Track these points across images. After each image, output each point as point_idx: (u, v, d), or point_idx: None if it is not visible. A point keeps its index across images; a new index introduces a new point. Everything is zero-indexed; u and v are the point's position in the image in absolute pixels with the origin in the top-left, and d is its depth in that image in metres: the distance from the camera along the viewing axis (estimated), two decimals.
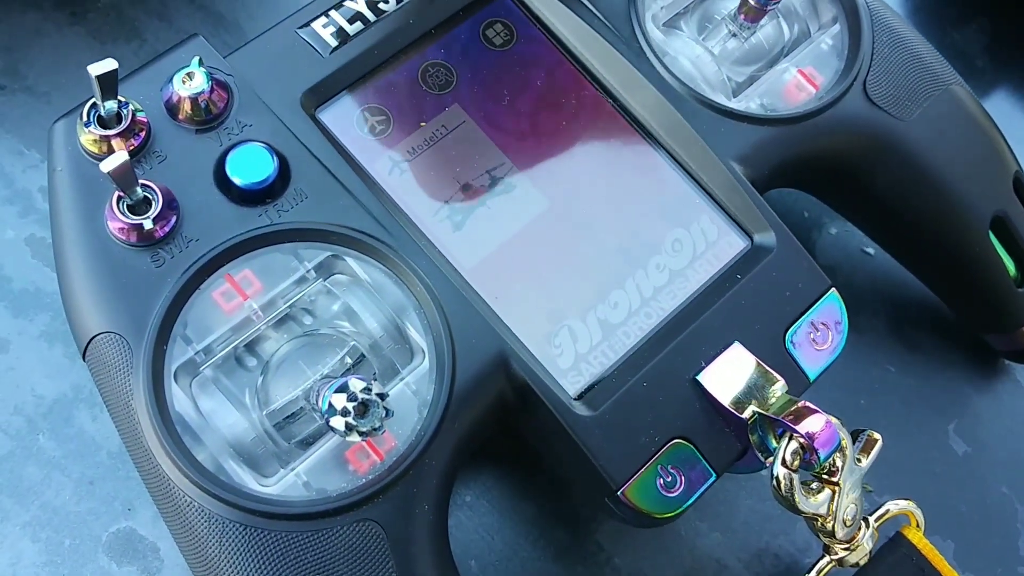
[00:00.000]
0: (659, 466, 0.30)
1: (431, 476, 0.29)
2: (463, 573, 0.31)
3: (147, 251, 0.29)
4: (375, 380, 0.27)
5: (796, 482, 0.30)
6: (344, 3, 0.34)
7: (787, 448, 0.29)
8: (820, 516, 0.31)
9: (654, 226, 0.34)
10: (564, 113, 0.34)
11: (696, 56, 0.36)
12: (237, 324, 0.30)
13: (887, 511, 0.34)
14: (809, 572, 0.33)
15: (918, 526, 0.34)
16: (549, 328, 0.32)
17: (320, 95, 0.33)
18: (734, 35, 0.36)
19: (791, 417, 0.29)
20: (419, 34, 0.34)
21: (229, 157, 0.31)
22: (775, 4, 0.34)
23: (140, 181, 0.29)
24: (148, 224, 0.29)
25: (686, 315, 0.32)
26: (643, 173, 0.34)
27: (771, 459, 0.30)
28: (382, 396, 0.26)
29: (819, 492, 0.31)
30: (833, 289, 0.33)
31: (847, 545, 0.32)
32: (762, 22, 0.36)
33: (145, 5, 0.43)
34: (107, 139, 0.30)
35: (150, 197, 0.29)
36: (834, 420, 0.30)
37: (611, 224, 0.33)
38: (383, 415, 0.26)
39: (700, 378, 0.31)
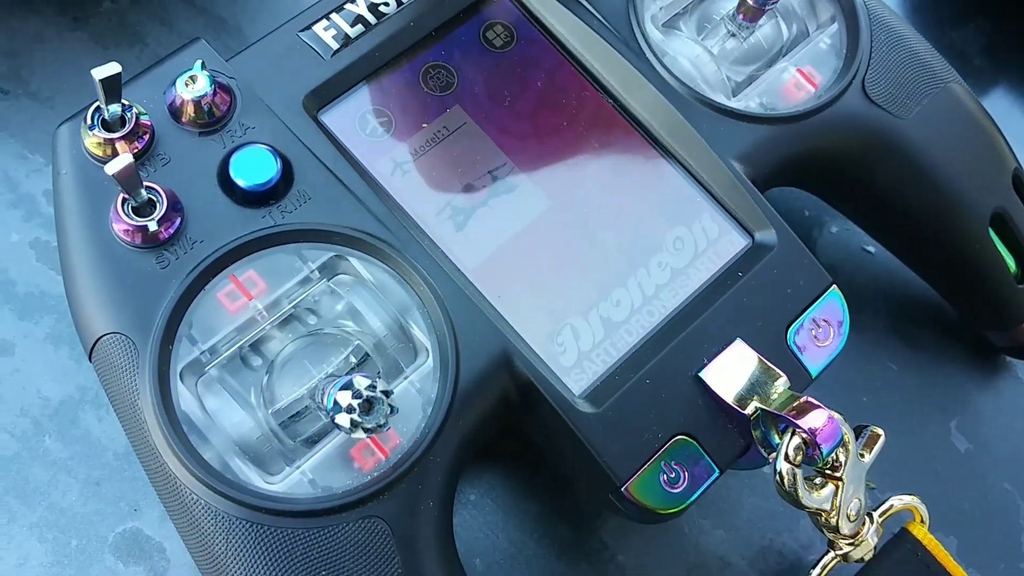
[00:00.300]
0: (662, 462, 0.30)
1: (436, 473, 0.29)
2: (468, 571, 0.31)
3: (152, 252, 0.30)
4: (380, 378, 0.27)
5: (799, 477, 0.30)
6: (345, 6, 0.34)
7: (790, 443, 0.30)
8: (824, 511, 0.31)
9: (655, 225, 0.34)
10: (564, 113, 0.35)
11: (695, 56, 0.36)
12: (242, 324, 0.30)
13: (891, 506, 0.34)
14: (814, 568, 0.34)
15: (923, 521, 0.35)
16: (552, 326, 0.32)
17: (322, 97, 0.33)
18: (733, 35, 0.36)
19: (793, 412, 0.30)
20: (420, 36, 0.34)
21: (232, 159, 0.31)
22: (773, 4, 0.35)
23: (144, 183, 0.29)
24: (153, 226, 0.29)
25: (688, 313, 0.32)
26: (644, 172, 0.34)
27: (774, 455, 0.30)
28: (387, 393, 0.26)
29: (822, 487, 0.31)
30: (834, 286, 0.34)
31: (851, 540, 0.32)
32: (761, 22, 0.36)
33: (147, 10, 0.43)
34: (111, 142, 0.30)
35: (154, 199, 0.30)
36: (836, 415, 0.30)
37: (612, 223, 0.34)
38: (388, 412, 0.26)
39: (703, 375, 0.31)
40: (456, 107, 0.34)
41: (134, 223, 0.29)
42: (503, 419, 0.31)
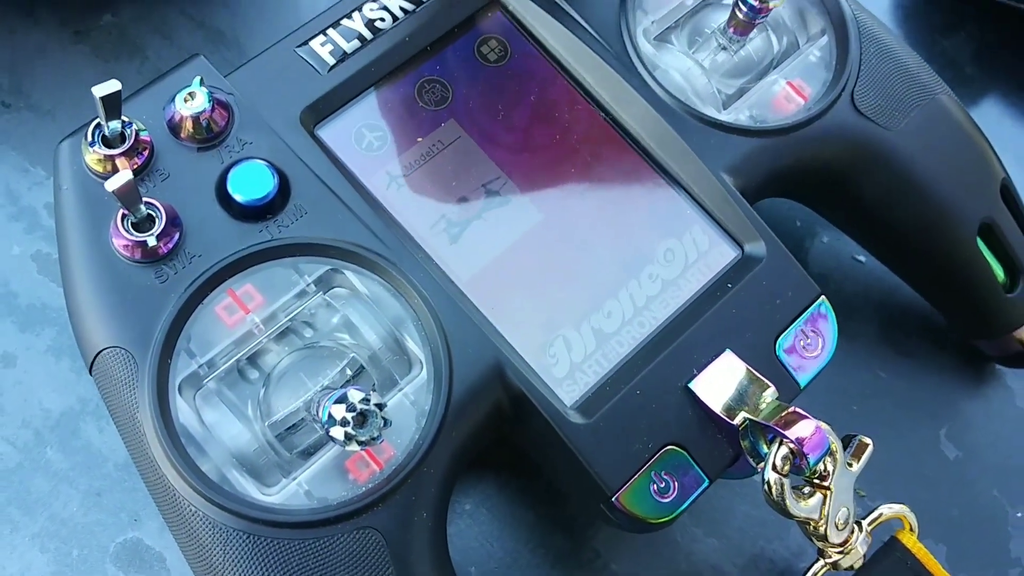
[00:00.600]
0: (653, 472, 0.31)
1: (429, 484, 0.29)
2: None
3: (151, 267, 0.30)
4: (374, 391, 0.28)
5: (787, 487, 0.30)
6: (342, 22, 0.35)
7: (777, 453, 0.30)
8: (812, 520, 0.32)
9: (646, 237, 0.34)
10: (557, 127, 0.35)
11: (687, 69, 0.36)
12: (239, 337, 0.30)
13: (880, 515, 0.34)
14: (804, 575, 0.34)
15: (912, 530, 0.35)
16: (544, 338, 0.33)
17: (319, 112, 0.34)
18: (724, 48, 0.37)
19: (781, 423, 0.30)
20: (415, 51, 0.35)
21: (230, 174, 0.31)
22: (763, 17, 0.35)
23: (144, 199, 0.30)
24: (152, 241, 0.30)
25: (678, 324, 0.33)
26: (635, 185, 0.35)
27: (762, 464, 0.31)
28: (380, 406, 0.26)
29: (810, 496, 0.31)
30: (822, 297, 0.34)
31: (841, 548, 0.33)
32: (751, 35, 0.37)
33: (147, 23, 0.44)
34: (111, 158, 0.31)
35: (154, 214, 0.30)
36: (823, 425, 0.30)
37: (604, 235, 0.34)
38: (381, 425, 0.26)
39: (692, 385, 0.32)
40: (451, 121, 0.35)
41: (134, 238, 0.30)
42: (496, 430, 0.32)
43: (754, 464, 0.32)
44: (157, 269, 0.30)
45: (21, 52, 0.43)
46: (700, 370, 0.32)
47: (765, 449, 0.31)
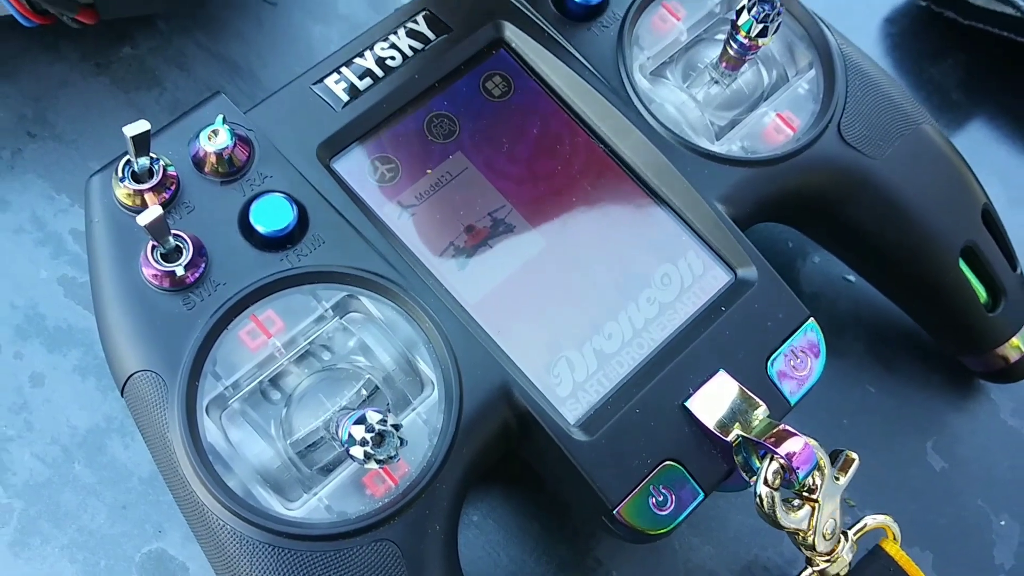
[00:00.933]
0: (651, 486, 0.33)
1: (442, 498, 0.31)
2: None
3: (179, 295, 0.32)
4: (389, 411, 0.30)
5: (778, 500, 0.32)
6: (354, 60, 0.37)
7: (769, 468, 0.32)
8: (801, 531, 0.33)
9: (644, 262, 0.36)
10: (559, 158, 0.37)
11: (681, 103, 0.38)
12: (262, 361, 0.32)
13: (865, 525, 0.36)
14: None
15: (895, 539, 0.37)
16: (548, 359, 0.34)
17: (334, 146, 0.36)
18: (716, 82, 0.39)
19: (772, 439, 0.32)
20: (424, 87, 0.37)
21: (252, 207, 0.33)
22: (753, 53, 0.37)
23: (172, 231, 0.32)
24: (180, 271, 0.32)
25: (675, 345, 0.35)
26: (633, 213, 0.37)
27: (755, 479, 0.32)
28: (396, 427, 0.28)
29: (800, 508, 0.33)
30: (811, 319, 0.36)
31: (828, 557, 0.35)
32: (742, 69, 0.39)
33: (165, 55, 0.46)
34: (140, 193, 0.32)
35: (181, 246, 0.32)
36: (812, 442, 0.32)
37: (604, 260, 0.36)
38: (398, 444, 0.28)
39: (688, 404, 0.34)
40: (458, 154, 0.37)
41: (163, 268, 0.32)
42: (504, 447, 0.34)
43: (747, 478, 0.33)
44: (184, 297, 0.32)
45: (45, 84, 0.45)
46: (695, 389, 0.34)
47: (757, 464, 0.33)
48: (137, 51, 0.46)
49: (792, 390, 0.35)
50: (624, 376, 0.34)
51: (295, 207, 0.33)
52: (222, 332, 0.32)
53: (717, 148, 0.37)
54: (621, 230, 0.36)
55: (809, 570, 0.35)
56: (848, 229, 0.40)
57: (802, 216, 0.40)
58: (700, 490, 0.33)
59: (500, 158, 0.37)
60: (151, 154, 0.33)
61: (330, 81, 0.36)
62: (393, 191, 0.36)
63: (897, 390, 0.45)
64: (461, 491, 0.32)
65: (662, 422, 0.33)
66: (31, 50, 0.45)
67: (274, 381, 0.33)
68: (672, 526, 0.33)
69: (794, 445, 0.32)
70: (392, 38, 0.37)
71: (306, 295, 0.33)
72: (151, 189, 0.33)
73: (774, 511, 0.32)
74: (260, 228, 0.33)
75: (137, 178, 0.33)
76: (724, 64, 0.38)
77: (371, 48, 0.37)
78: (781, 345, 0.35)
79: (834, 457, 0.35)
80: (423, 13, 0.38)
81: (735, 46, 0.37)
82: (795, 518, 0.33)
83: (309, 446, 0.32)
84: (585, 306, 0.35)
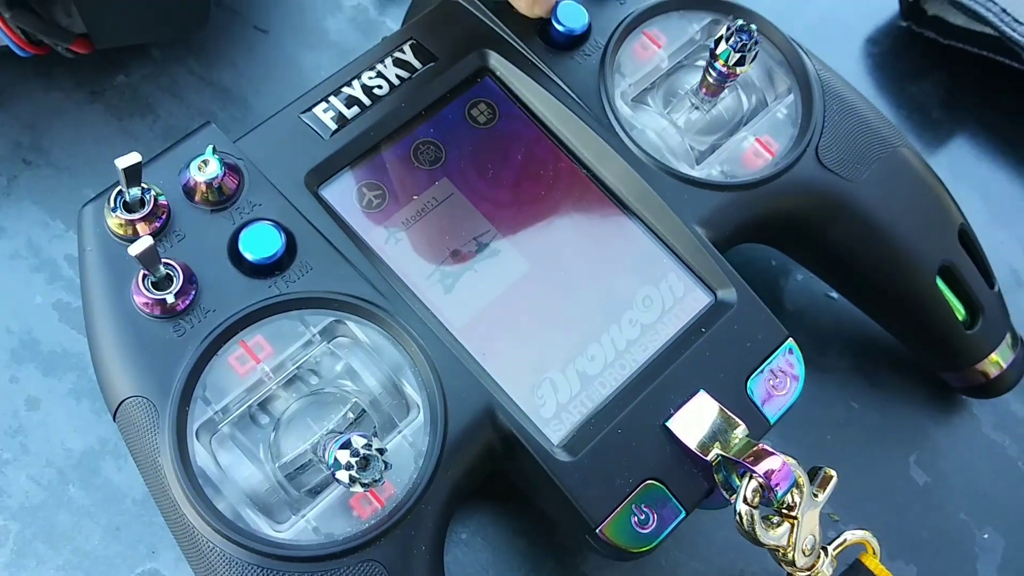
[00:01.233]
0: (633, 505, 0.33)
1: (427, 519, 0.32)
2: None
3: (169, 322, 0.33)
4: (375, 435, 0.31)
5: (757, 517, 0.33)
6: (342, 89, 0.38)
7: (748, 487, 0.33)
8: (781, 547, 0.34)
9: (626, 284, 0.37)
10: (543, 184, 0.38)
11: (662, 128, 0.39)
12: (251, 385, 0.33)
13: (844, 540, 0.37)
14: None
15: (875, 553, 0.37)
16: (532, 380, 0.35)
17: (322, 174, 0.36)
18: (696, 108, 0.40)
19: (751, 458, 0.33)
20: (410, 115, 0.38)
21: (241, 235, 0.34)
22: (732, 81, 0.38)
23: (162, 260, 0.32)
24: (170, 298, 0.32)
25: (656, 366, 0.36)
26: (615, 237, 0.37)
27: (735, 497, 0.33)
28: (381, 451, 0.29)
29: (779, 525, 0.34)
30: (790, 339, 0.37)
31: (808, 573, 0.35)
32: (722, 95, 0.40)
33: (158, 83, 0.47)
34: (132, 223, 0.33)
35: (172, 274, 0.33)
36: (790, 460, 0.33)
37: (587, 283, 0.37)
38: (383, 468, 0.29)
39: (669, 424, 0.34)
40: (444, 180, 0.37)
41: (153, 296, 0.32)
42: (488, 467, 0.35)
43: (727, 496, 0.34)
44: (175, 324, 0.33)
45: (40, 112, 0.45)
46: (676, 409, 0.35)
47: (737, 483, 0.33)
48: (131, 79, 0.47)
49: (771, 409, 0.36)
50: (606, 397, 0.35)
51: (283, 234, 0.34)
52: (212, 358, 0.33)
53: (697, 173, 0.38)
54: (603, 254, 0.37)
55: None
56: (827, 250, 0.41)
57: (782, 238, 0.41)
58: (681, 508, 0.34)
59: (485, 184, 0.38)
60: (142, 184, 0.33)
61: (318, 110, 0.37)
62: (380, 217, 0.36)
63: (880, 405, 0.46)
64: (447, 512, 0.33)
65: (644, 442, 0.34)
66: (26, 79, 0.46)
67: (263, 405, 0.33)
68: (654, 544, 0.33)
69: (772, 463, 0.32)
70: (379, 67, 0.38)
71: (294, 321, 0.34)
72: (142, 219, 0.33)
73: (754, 528, 0.33)
74: (249, 256, 0.34)
75: (129, 208, 0.33)
76: (704, 91, 0.39)
77: (358, 77, 0.38)
78: (760, 365, 0.36)
79: (813, 474, 0.35)
80: (409, 42, 0.39)
81: (714, 74, 0.38)
82: (775, 535, 0.34)
83: (297, 469, 0.32)
84: (568, 328, 0.36)
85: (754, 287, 0.37)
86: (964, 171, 0.52)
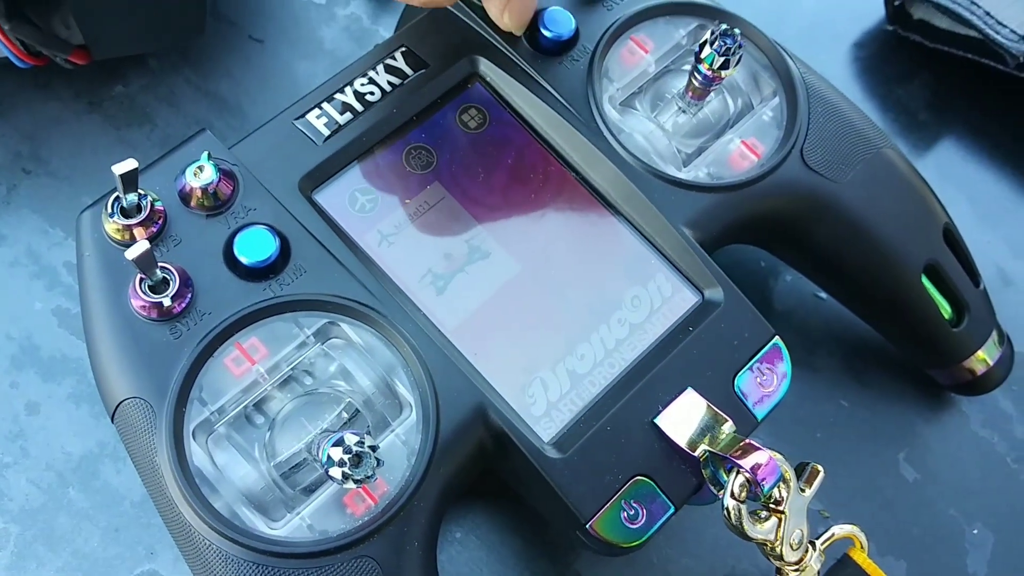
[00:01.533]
0: (623, 501, 0.34)
1: (420, 516, 0.33)
2: None
3: (166, 325, 0.33)
4: (368, 434, 0.31)
5: (744, 512, 0.34)
6: (335, 96, 0.38)
7: (735, 482, 0.33)
8: (769, 541, 0.35)
9: (615, 285, 0.38)
10: (532, 187, 0.38)
11: (649, 132, 0.40)
12: (246, 386, 0.33)
13: (832, 535, 0.37)
14: None
15: (862, 547, 0.38)
16: (523, 379, 0.36)
17: (315, 179, 0.37)
18: (683, 111, 0.40)
19: (738, 454, 0.33)
20: (402, 121, 0.38)
21: (236, 239, 0.35)
22: (717, 84, 0.39)
23: (159, 264, 0.33)
24: (167, 302, 0.33)
25: (645, 364, 0.36)
26: (604, 238, 0.38)
27: (723, 492, 0.34)
28: (373, 448, 0.30)
29: (767, 520, 0.35)
30: (777, 337, 0.37)
31: (796, 566, 0.36)
32: (708, 99, 0.40)
33: (155, 93, 0.47)
34: (129, 228, 0.34)
35: (168, 278, 0.33)
36: (776, 455, 0.34)
37: (577, 284, 0.37)
38: (375, 464, 0.30)
39: (658, 421, 0.35)
40: (436, 183, 0.38)
41: (150, 300, 0.33)
42: (480, 465, 0.35)
43: (715, 492, 0.35)
44: (172, 326, 0.33)
45: (39, 122, 0.46)
46: (665, 407, 0.35)
47: (725, 478, 0.34)
48: (128, 89, 0.47)
49: (759, 406, 0.36)
50: (596, 395, 0.36)
51: (277, 238, 0.35)
52: (208, 360, 0.33)
53: (684, 175, 0.39)
54: (593, 255, 0.38)
55: None
56: (813, 250, 0.41)
57: (768, 239, 0.42)
58: (670, 504, 0.34)
59: (476, 187, 0.38)
60: (139, 190, 0.34)
61: (311, 116, 0.38)
62: (373, 221, 0.37)
63: (869, 403, 0.47)
64: (439, 509, 0.33)
65: (633, 439, 0.35)
66: (25, 90, 0.46)
67: (258, 406, 0.34)
68: (643, 539, 0.34)
69: (759, 458, 0.33)
70: (371, 74, 0.39)
71: (288, 323, 0.34)
72: (139, 224, 0.34)
73: (741, 523, 0.34)
74: (244, 259, 0.34)
75: (126, 213, 0.34)
76: (690, 94, 0.40)
77: (351, 84, 0.39)
78: (747, 363, 0.37)
79: (800, 470, 0.36)
80: (401, 49, 0.40)
81: (700, 77, 0.38)
82: (762, 529, 0.34)
83: (292, 468, 0.33)
84: (559, 328, 0.37)
85: (743, 288, 0.38)
86: (951, 172, 0.53)
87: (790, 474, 0.34)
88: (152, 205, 0.34)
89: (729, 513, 0.33)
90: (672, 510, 0.34)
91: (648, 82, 0.41)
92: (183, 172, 0.35)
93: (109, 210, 0.34)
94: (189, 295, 0.34)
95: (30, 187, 0.45)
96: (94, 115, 0.47)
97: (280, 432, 0.33)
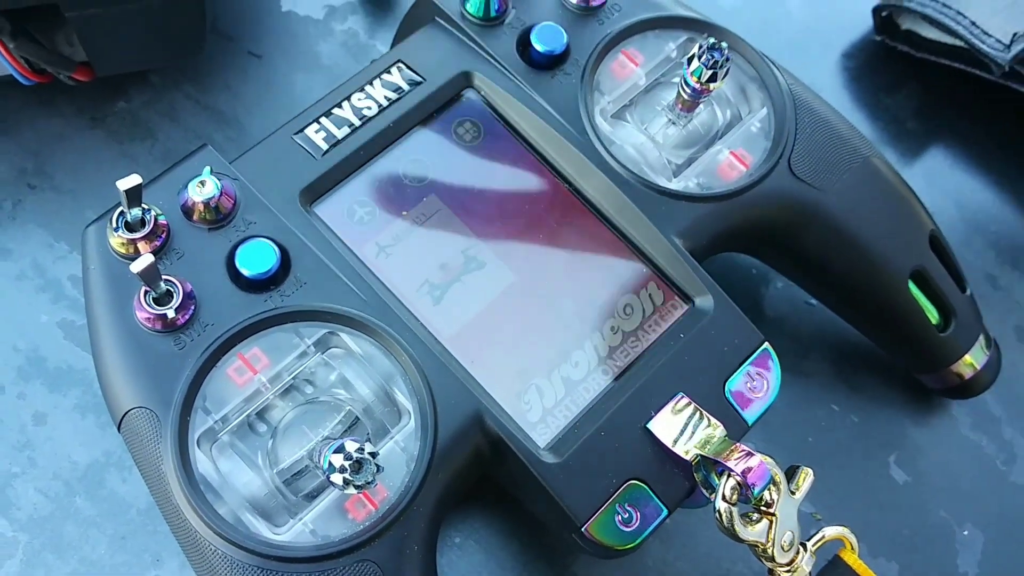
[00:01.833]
0: (617, 505, 0.35)
1: (420, 520, 0.33)
2: None
3: (170, 336, 0.34)
4: (368, 441, 0.32)
5: (736, 514, 0.34)
6: (333, 111, 0.39)
7: (726, 485, 0.34)
8: (760, 543, 0.35)
9: (608, 294, 0.38)
10: (527, 199, 0.39)
11: (640, 143, 0.41)
12: (249, 396, 0.34)
13: (823, 536, 0.38)
14: None
15: (852, 548, 0.39)
16: (519, 387, 0.37)
17: (315, 192, 0.38)
18: (673, 123, 0.41)
19: (728, 457, 0.34)
20: (399, 134, 0.39)
21: (238, 251, 0.36)
22: (705, 96, 0.39)
23: (163, 277, 0.34)
24: (171, 313, 0.34)
25: (637, 371, 0.37)
26: (597, 248, 0.39)
27: (714, 495, 0.34)
28: (373, 455, 0.30)
29: (758, 522, 0.35)
30: (766, 343, 0.38)
31: (788, 568, 0.37)
32: (697, 110, 0.41)
33: (156, 109, 0.48)
34: (134, 242, 0.35)
35: (172, 290, 0.34)
36: (767, 459, 0.34)
37: (570, 293, 0.38)
38: (375, 470, 0.30)
39: (650, 426, 0.36)
40: (432, 196, 0.39)
41: (155, 312, 0.34)
42: (478, 471, 0.36)
43: (707, 495, 0.35)
44: (176, 337, 0.34)
45: (43, 139, 0.47)
46: (657, 412, 0.36)
47: (716, 481, 0.35)
48: (130, 105, 0.48)
49: (749, 410, 0.37)
50: (590, 401, 0.37)
51: (278, 251, 0.36)
52: (211, 370, 0.34)
53: (674, 185, 0.40)
54: (586, 264, 0.39)
55: None
56: (802, 258, 0.42)
57: (758, 247, 0.43)
58: (664, 507, 0.35)
59: (471, 199, 0.39)
60: (143, 204, 0.35)
61: (310, 131, 0.39)
62: (371, 233, 0.38)
63: (860, 408, 0.47)
64: (438, 513, 0.34)
65: (626, 443, 0.36)
66: (30, 107, 0.47)
67: (260, 414, 0.35)
68: (638, 541, 0.35)
69: (749, 462, 0.34)
70: (368, 89, 0.40)
71: (289, 333, 0.35)
72: (143, 238, 0.35)
73: (733, 525, 0.34)
74: (245, 271, 0.35)
75: (130, 228, 0.35)
76: (679, 106, 0.41)
77: (348, 99, 0.40)
78: (737, 368, 0.37)
79: (791, 473, 0.37)
80: (397, 64, 0.41)
81: (688, 90, 0.39)
82: (753, 531, 0.35)
83: (294, 475, 0.34)
84: (553, 336, 0.38)
85: (735, 295, 0.39)
86: (939, 179, 0.54)
87: (780, 477, 0.35)
88: (156, 219, 0.35)
89: (721, 515, 0.34)
90: (665, 513, 0.35)
91: (639, 95, 0.42)
92: (185, 187, 0.36)
93: (114, 224, 0.35)
94: (192, 307, 0.35)
95: (35, 202, 0.46)
96: (97, 130, 0.48)
97: (282, 440, 0.34)
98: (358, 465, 0.30)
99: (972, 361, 0.44)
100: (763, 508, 0.35)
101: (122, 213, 0.35)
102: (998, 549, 0.46)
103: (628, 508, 0.35)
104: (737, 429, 0.37)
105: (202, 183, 0.36)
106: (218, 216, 0.36)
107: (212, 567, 0.32)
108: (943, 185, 0.54)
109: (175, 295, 0.34)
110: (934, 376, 0.45)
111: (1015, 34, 0.48)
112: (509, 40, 0.41)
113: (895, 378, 0.48)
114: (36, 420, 0.42)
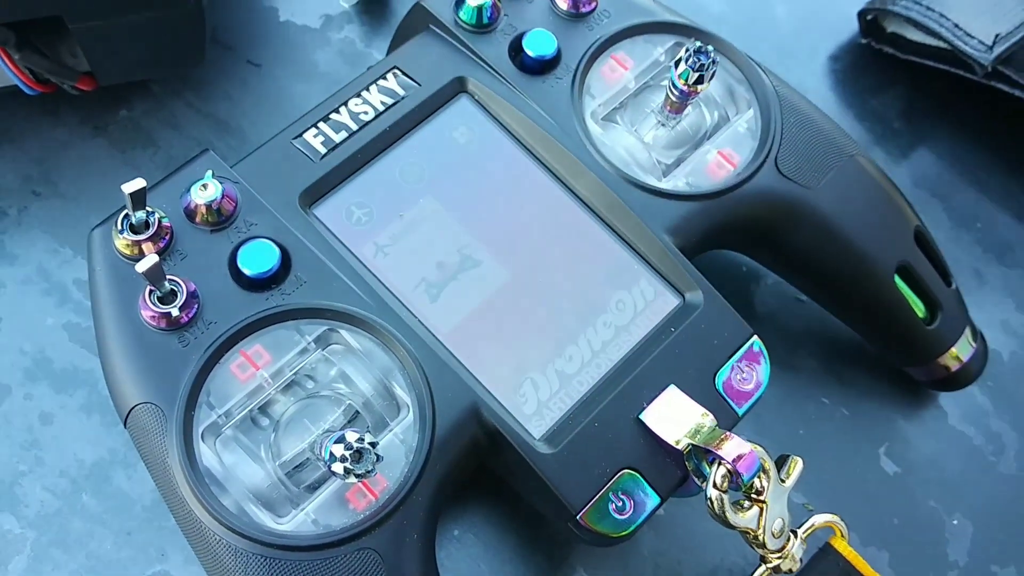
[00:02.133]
0: (611, 493, 0.36)
1: (419, 510, 0.34)
2: None
3: (175, 334, 0.35)
4: (368, 432, 0.33)
5: (727, 501, 0.35)
6: (331, 116, 0.40)
7: (717, 473, 0.35)
8: (751, 530, 0.36)
9: (600, 290, 0.39)
10: (521, 199, 0.40)
11: (630, 145, 0.42)
12: (251, 391, 0.35)
13: (813, 524, 0.39)
14: None
15: (843, 535, 0.40)
16: (515, 380, 0.37)
17: (314, 195, 0.39)
18: (662, 124, 0.42)
19: (718, 446, 0.35)
20: (395, 137, 0.40)
21: (239, 252, 0.36)
22: (693, 98, 0.40)
23: (167, 277, 0.35)
24: (175, 312, 0.35)
25: (629, 364, 0.38)
26: (589, 246, 0.40)
27: (706, 483, 0.35)
28: (373, 444, 0.31)
29: (748, 509, 0.36)
30: (755, 336, 0.39)
31: (779, 554, 0.38)
32: (685, 112, 0.42)
33: (158, 117, 0.49)
34: (138, 243, 0.36)
35: (176, 289, 0.35)
36: (756, 447, 0.35)
37: (564, 289, 0.39)
38: (375, 460, 0.31)
39: (643, 417, 0.37)
40: (428, 197, 0.40)
41: (159, 310, 0.35)
42: (475, 461, 0.37)
43: (699, 483, 0.36)
44: (180, 335, 0.35)
45: (48, 147, 0.48)
46: (649, 403, 0.37)
47: (707, 469, 0.36)
48: (132, 113, 0.49)
49: (738, 402, 0.38)
50: (584, 393, 0.38)
51: (279, 251, 0.37)
52: (215, 366, 0.35)
53: (664, 185, 0.41)
54: (579, 262, 0.40)
55: (763, 567, 0.38)
56: (789, 254, 0.43)
57: (746, 244, 0.44)
58: (656, 495, 0.36)
59: (467, 200, 0.40)
60: (147, 208, 0.36)
61: (309, 135, 0.40)
62: (369, 233, 0.39)
63: (850, 401, 0.48)
64: (437, 503, 0.35)
65: (619, 434, 0.36)
66: (34, 116, 0.48)
67: (263, 409, 0.36)
68: (631, 529, 0.36)
69: (739, 449, 0.35)
70: (365, 94, 0.41)
71: (290, 330, 0.36)
72: (148, 239, 0.36)
73: (724, 512, 0.35)
74: (247, 271, 0.36)
75: (135, 230, 0.36)
76: (668, 108, 0.42)
77: (346, 104, 0.41)
78: (727, 361, 0.38)
79: (781, 461, 0.37)
80: (392, 71, 0.42)
81: (676, 92, 0.40)
82: (744, 518, 0.36)
83: (296, 467, 0.35)
84: (547, 332, 0.39)
85: (726, 291, 0.40)
86: (925, 178, 0.55)
87: (769, 464, 0.36)
88: (160, 221, 0.36)
89: (712, 503, 0.35)
90: (658, 501, 0.36)
91: (628, 97, 0.43)
92: (188, 190, 0.37)
93: (119, 227, 0.36)
94: (196, 305, 0.36)
95: (40, 208, 0.47)
96: (100, 139, 0.49)
97: (284, 433, 0.35)
98: (358, 455, 0.31)
99: (958, 354, 0.45)
100: (753, 495, 0.36)
101: (127, 216, 0.36)
102: (987, 538, 0.46)
103: (622, 496, 0.36)
104: (728, 420, 0.38)
105: (204, 186, 0.37)
106: (220, 218, 0.37)
107: (217, 557, 0.33)
108: (930, 183, 0.55)
109: (179, 294, 0.35)
110: (922, 369, 0.46)
111: (997, 35, 0.49)
112: (501, 46, 0.42)
113: (884, 372, 0.49)
114: (43, 420, 0.43)
